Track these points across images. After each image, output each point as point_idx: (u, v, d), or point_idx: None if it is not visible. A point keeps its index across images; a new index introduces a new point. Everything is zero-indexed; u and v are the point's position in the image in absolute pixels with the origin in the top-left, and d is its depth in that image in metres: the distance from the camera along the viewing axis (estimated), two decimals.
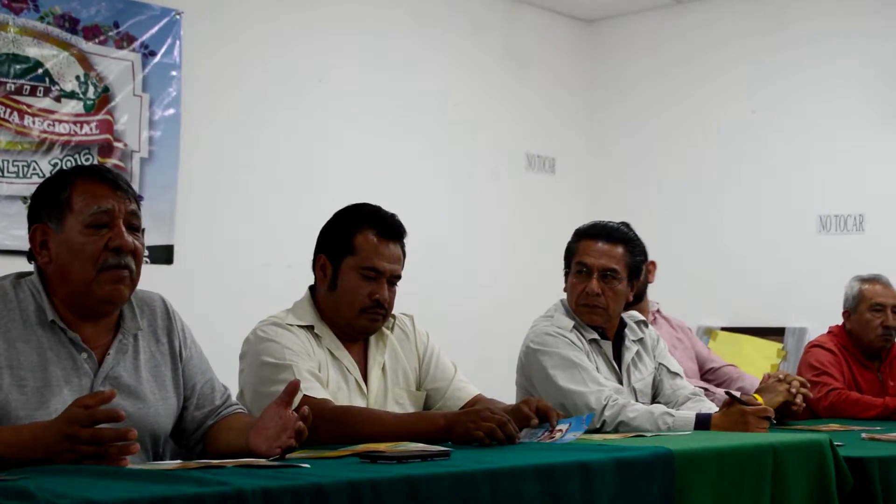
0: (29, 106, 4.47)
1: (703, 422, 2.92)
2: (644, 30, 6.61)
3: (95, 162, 4.55)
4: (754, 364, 5.49)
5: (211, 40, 5.07)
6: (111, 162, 4.62)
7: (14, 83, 4.44)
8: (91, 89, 4.65)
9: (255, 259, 5.16)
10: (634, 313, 3.40)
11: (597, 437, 2.55)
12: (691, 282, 6.07)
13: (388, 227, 2.66)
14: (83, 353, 2.15)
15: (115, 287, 2.14)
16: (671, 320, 4.21)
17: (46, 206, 2.18)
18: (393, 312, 2.72)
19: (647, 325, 3.38)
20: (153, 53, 4.83)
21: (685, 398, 3.22)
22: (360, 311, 2.62)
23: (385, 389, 2.68)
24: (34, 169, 4.46)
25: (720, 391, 3.71)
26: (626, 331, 3.28)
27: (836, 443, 2.52)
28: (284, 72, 5.34)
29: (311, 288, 2.72)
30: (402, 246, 2.69)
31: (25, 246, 2.22)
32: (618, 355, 3.24)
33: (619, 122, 6.67)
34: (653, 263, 4.12)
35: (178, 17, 4.91)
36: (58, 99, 4.56)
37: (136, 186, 4.63)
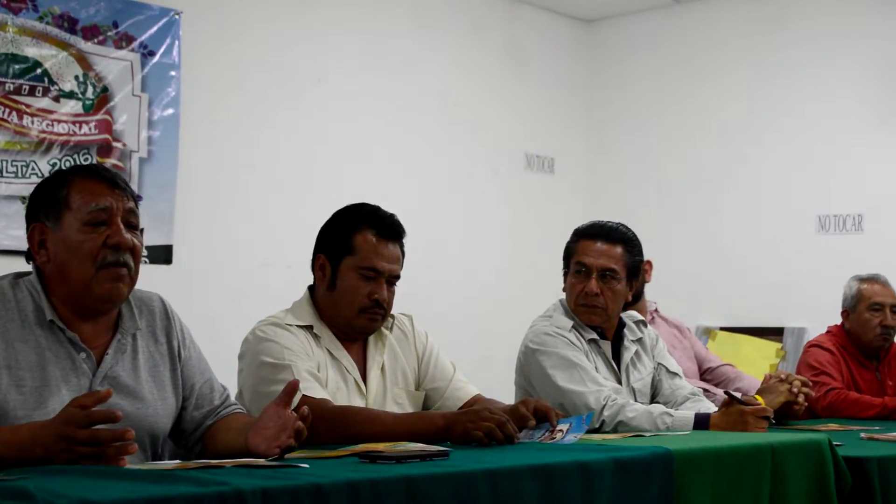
0: (28, 106, 4.47)
1: (701, 422, 2.92)
2: (643, 30, 6.61)
3: (94, 162, 4.55)
4: (753, 364, 5.49)
5: (210, 40, 5.07)
6: (110, 162, 4.62)
7: (13, 83, 4.44)
8: (90, 89, 4.65)
9: (254, 259, 5.16)
10: (633, 313, 3.40)
11: (596, 436, 2.55)
12: (690, 282, 6.08)
13: (388, 227, 2.66)
14: (82, 353, 2.15)
15: (113, 285, 2.15)
16: (669, 320, 4.21)
17: (44, 206, 2.18)
18: (392, 312, 2.72)
19: (645, 325, 3.38)
20: (152, 53, 4.83)
21: (684, 398, 3.22)
22: (359, 310, 2.62)
23: (384, 389, 2.68)
24: (33, 169, 4.46)
25: (721, 392, 3.71)
26: (625, 331, 3.28)
27: (834, 442, 2.52)
28: (284, 72, 5.34)
29: (311, 288, 2.72)
30: (402, 246, 2.69)
31: (24, 246, 2.22)
32: (617, 355, 3.24)
33: (618, 122, 6.67)
34: (649, 263, 4.11)
35: (177, 17, 4.91)
36: (57, 99, 4.55)
37: (135, 186, 4.65)
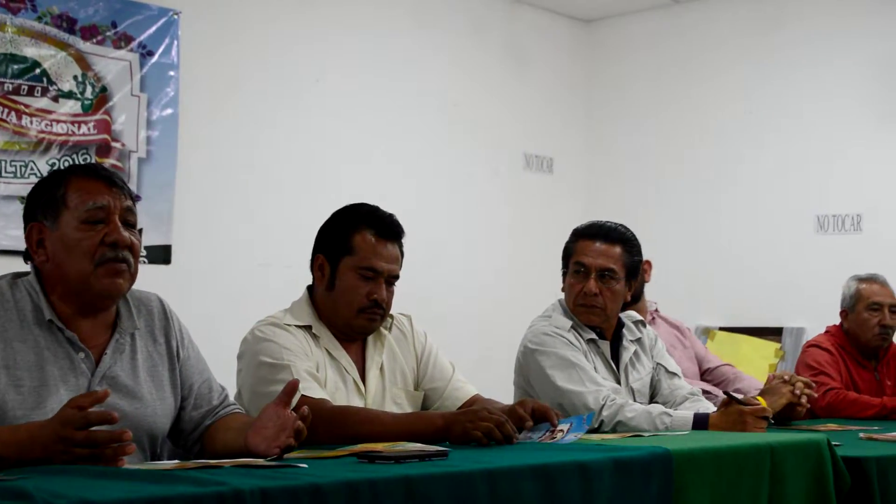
0: (26, 106, 4.47)
1: (700, 422, 2.92)
2: (642, 30, 6.61)
3: (93, 162, 4.55)
4: (752, 364, 5.49)
5: (209, 40, 5.06)
6: (109, 162, 4.62)
7: (12, 83, 4.44)
8: (89, 89, 4.64)
9: (253, 259, 5.16)
10: (632, 313, 3.40)
11: (595, 436, 2.55)
12: (689, 282, 6.08)
13: (387, 227, 2.66)
14: (80, 353, 2.15)
15: (112, 280, 2.15)
16: (669, 320, 4.20)
17: (42, 205, 2.18)
18: (391, 312, 2.72)
19: (644, 325, 3.38)
20: (151, 53, 4.83)
21: (683, 398, 3.22)
22: (358, 311, 2.61)
23: (383, 389, 2.68)
24: (32, 169, 4.46)
25: (721, 393, 3.70)
26: (624, 331, 3.28)
27: (833, 442, 2.52)
28: (283, 72, 5.34)
29: (309, 288, 2.72)
30: (401, 246, 2.69)
31: (23, 246, 2.22)
32: (615, 355, 3.24)
33: (617, 122, 6.67)
34: (648, 263, 4.11)
35: (175, 16, 4.91)
36: (55, 99, 4.55)
37: (133, 186, 4.65)
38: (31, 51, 4.49)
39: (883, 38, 5.74)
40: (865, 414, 3.94)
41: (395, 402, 2.68)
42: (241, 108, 5.18)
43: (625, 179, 6.58)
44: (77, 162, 4.50)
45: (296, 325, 2.61)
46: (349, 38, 5.60)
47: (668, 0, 6.42)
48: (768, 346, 5.81)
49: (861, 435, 3.04)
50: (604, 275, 3.16)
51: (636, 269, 3.27)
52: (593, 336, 3.20)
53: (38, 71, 4.51)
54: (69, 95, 4.59)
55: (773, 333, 5.88)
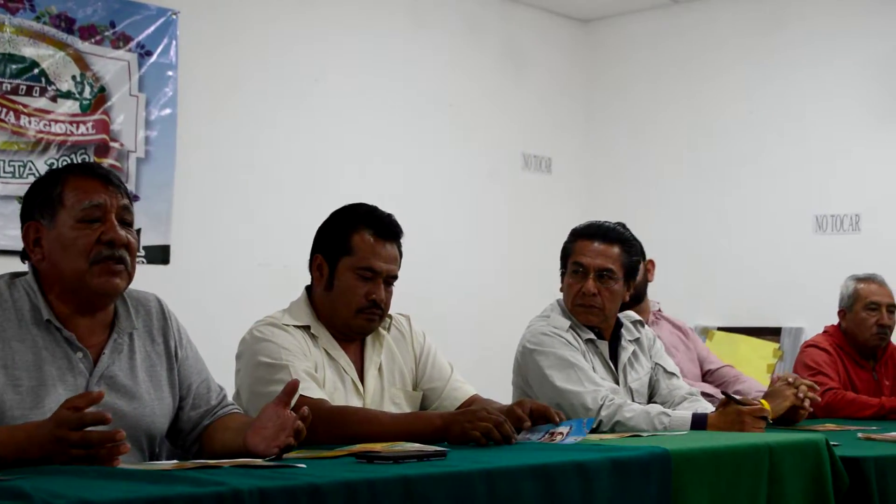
0: (25, 106, 4.47)
1: (699, 422, 2.92)
2: (641, 30, 6.61)
3: (87, 161, 4.55)
4: (751, 364, 5.49)
5: (207, 40, 5.06)
6: (107, 162, 4.62)
7: (10, 83, 4.44)
8: (87, 89, 4.64)
9: (252, 259, 5.16)
10: (631, 313, 3.40)
11: (593, 436, 2.55)
12: (688, 281, 6.08)
13: (385, 227, 2.66)
14: (78, 353, 2.15)
15: (108, 279, 2.14)
16: (672, 321, 4.19)
17: (39, 204, 2.18)
18: (389, 312, 2.72)
19: (643, 325, 3.38)
20: (149, 53, 4.82)
21: (681, 398, 3.22)
22: (356, 311, 2.61)
23: (381, 389, 2.68)
24: (30, 169, 4.46)
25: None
26: (623, 331, 3.28)
27: (832, 442, 2.52)
28: (281, 72, 5.34)
29: (308, 288, 2.72)
30: (399, 246, 2.69)
31: (21, 245, 2.22)
32: (614, 355, 3.24)
33: (615, 122, 6.67)
34: (651, 262, 4.11)
35: (174, 16, 4.91)
36: (54, 99, 4.55)
37: (132, 186, 4.65)
38: (29, 51, 4.49)
39: (883, 39, 5.74)
40: (864, 414, 3.95)
41: (394, 402, 2.68)
42: (239, 108, 5.18)
43: (623, 179, 6.58)
44: (73, 162, 4.49)
45: (294, 326, 2.61)
46: (348, 39, 5.60)
47: (668, 0, 6.42)
48: (767, 346, 5.81)
49: (859, 435, 3.04)
50: (602, 275, 3.16)
51: (634, 269, 3.27)
52: (592, 336, 3.20)
53: (36, 71, 4.51)
54: (68, 95, 4.59)
55: (771, 333, 5.88)
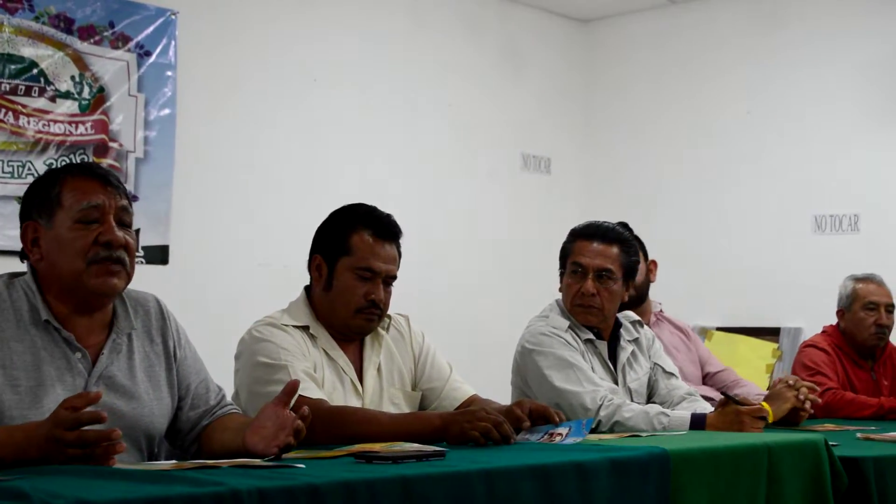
0: (24, 106, 4.47)
1: (698, 422, 2.92)
2: (640, 30, 6.61)
3: (86, 161, 4.54)
4: (750, 364, 5.50)
5: (206, 40, 5.06)
6: (106, 162, 4.61)
7: (9, 83, 4.44)
8: (86, 89, 4.64)
9: (251, 259, 5.16)
10: (629, 313, 3.40)
11: (592, 436, 2.55)
12: (687, 282, 6.07)
13: (384, 228, 2.66)
14: (77, 353, 2.15)
15: (105, 279, 2.14)
16: (674, 322, 4.18)
17: (37, 204, 2.18)
18: (388, 312, 2.72)
19: (642, 325, 3.38)
20: (148, 53, 4.82)
21: (680, 398, 3.22)
22: (355, 311, 2.61)
23: (380, 390, 2.68)
24: (29, 169, 4.46)
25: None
26: (622, 331, 3.28)
27: (831, 443, 2.53)
28: (280, 72, 5.34)
29: (307, 288, 2.72)
30: (398, 246, 2.69)
31: (20, 246, 2.22)
32: (613, 355, 3.24)
33: (614, 122, 6.67)
34: (654, 262, 4.10)
35: (173, 17, 4.90)
36: (53, 99, 4.55)
37: (131, 186, 4.64)
38: (28, 51, 4.49)
39: (883, 40, 5.73)
40: (862, 414, 3.95)
41: (393, 402, 2.68)
42: (238, 109, 5.18)
43: (622, 179, 6.58)
44: (73, 162, 4.49)
45: (293, 326, 2.61)
46: (347, 39, 5.60)
47: (667, 0, 6.42)
48: (766, 347, 5.81)
49: (858, 435, 3.04)
50: (601, 275, 3.16)
51: (633, 270, 3.27)
52: (591, 336, 3.20)
53: (35, 71, 4.51)
54: (66, 95, 4.58)
55: (770, 333, 5.88)
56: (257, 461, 1.94)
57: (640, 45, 6.60)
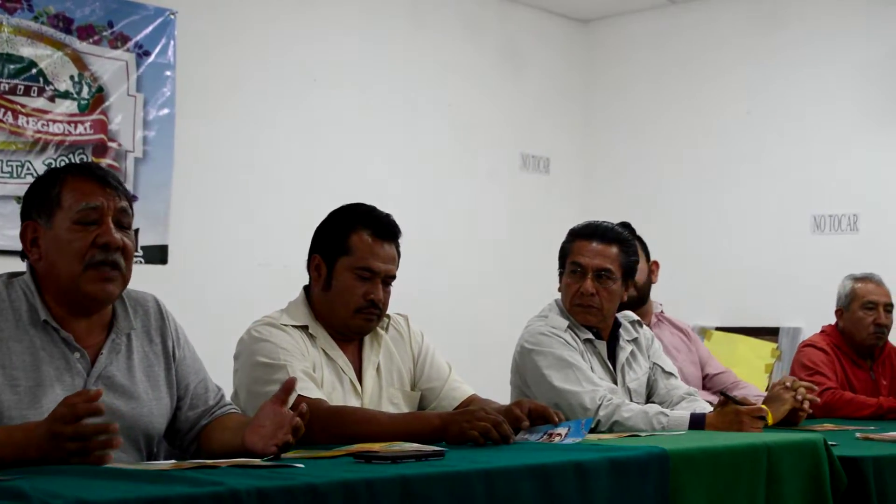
0: (23, 106, 4.47)
1: (697, 421, 2.92)
2: (639, 30, 6.61)
3: (89, 161, 4.54)
4: (749, 364, 5.50)
5: (205, 40, 5.06)
6: (105, 162, 4.61)
7: (8, 83, 4.44)
8: (85, 89, 4.64)
9: (250, 259, 5.16)
10: (629, 313, 3.40)
11: (592, 436, 2.55)
12: (686, 281, 6.07)
13: (383, 227, 2.66)
14: (76, 353, 2.15)
15: (101, 284, 2.14)
16: (675, 322, 4.18)
17: (37, 204, 2.18)
18: (387, 312, 2.72)
19: (641, 325, 3.38)
20: (147, 53, 4.82)
21: (680, 398, 3.22)
22: (354, 311, 2.61)
23: (380, 389, 2.68)
24: (28, 169, 4.45)
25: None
26: (621, 331, 3.28)
27: (830, 442, 2.53)
28: (279, 72, 5.34)
29: (306, 288, 2.72)
30: (397, 246, 2.69)
31: (20, 246, 2.22)
32: (612, 355, 3.24)
33: (614, 122, 6.67)
34: (655, 263, 4.10)
35: (172, 16, 4.90)
36: (52, 99, 4.55)
37: (130, 186, 4.64)
38: (27, 51, 4.49)
39: (883, 40, 5.73)
40: (862, 414, 3.95)
41: (392, 402, 2.68)
42: (237, 108, 5.18)
43: (622, 179, 6.58)
44: (74, 162, 4.49)
45: (292, 326, 2.61)
46: (347, 39, 5.60)
47: (666, 0, 6.42)
48: (765, 346, 5.81)
49: (857, 435, 3.04)
50: (600, 275, 3.16)
51: (633, 269, 3.27)
52: (590, 336, 3.20)
53: (34, 71, 4.51)
54: (65, 95, 4.58)
55: (769, 333, 5.88)
56: (256, 461, 1.93)
57: (640, 45, 6.60)
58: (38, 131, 4.50)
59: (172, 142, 4.88)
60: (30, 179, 4.33)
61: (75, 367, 2.14)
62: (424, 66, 5.94)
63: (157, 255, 4.81)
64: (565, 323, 3.17)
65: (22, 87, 4.47)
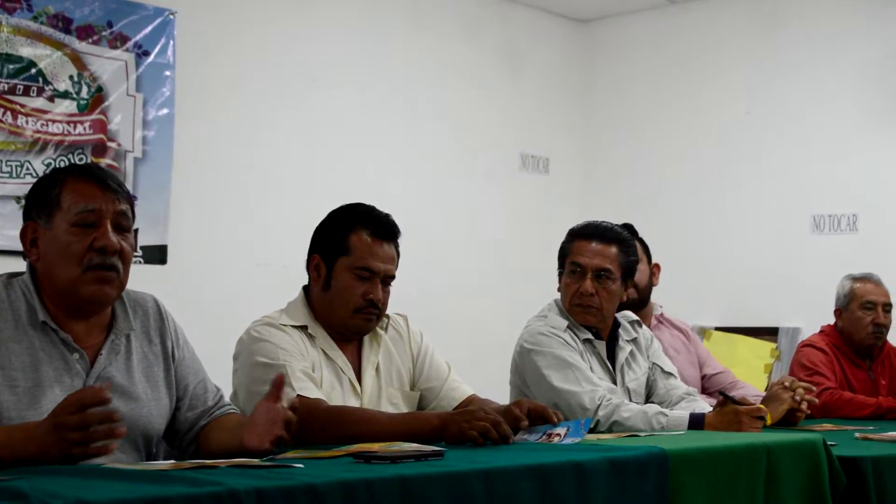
0: (22, 106, 4.47)
1: (696, 421, 2.92)
2: (639, 30, 6.61)
3: (90, 162, 4.54)
4: (748, 364, 5.50)
5: (204, 40, 5.06)
6: (105, 162, 4.62)
7: (7, 83, 4.44)
8: (84, 89, 4.64)
9: (249, 259, 5.16)
10: (628, 313, 3.40)
11: (591, 436, 2.55)
12: (685, 282, 6.06)
13: (382, 227, 2.66)
14: (75, 354, 2.15)
15: (98, 287, 2.14)
16: (675, 323, 4.17)
17: (37, 204, 2.18)
18: (387, 312, 2.72)
19: (640, 325, 3.38)
20: (147, 53, 4.82)
21: (679, 398, 3.22)
22: (353, 311, 2.61)
23: (379, 389, 2.68)
24: (27, 169, 4.45)
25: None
26: (620, 331, 3.28)
27: (829, 442, 2.53)
28: (278, 72, 5.34)
29: (305, 288, 2.72)
30: (396, 246, 2.69)
31: (19, 246, 2.22)
32: (611, 355, 3.24)
33: (613, 123, 6.67)
34: (657, 266, 4.10)
35: (171, 16, 4.90)
36: (51, 99, 4.55)
37: (129, 186, 4.64)
38: (26, 50, 4.49)
39: (882, 40, 5.73)
40: (861, 414, 3.95)
41: (391, 402, 2.68)
42: (236, 108, 5.18)
43: (621, 180, 6.58)
44: (73, 162, 4.49)
45: (291, 326, 2.61)
46: (346, 39, 5.60)
47: (666, 0, 6.42)
48: (764, 346, 5.81)
49: (857, 435, 3.04)
50: (600, 275, 3.16)
51: (632, 269, 3.27)
52: (589, 336, 3.20)
53: (33, 71, 4.51)
54: (65, 95, 4.58)
55: (768, 333, 5.88)
56: (255, 461, 1.93)
57: (640, 45, 6.60)
58: (38, 131, 4.50)
59: (172, 142, 4.88)
60: (29, 179, 4.34)
61: (74, 368, 2.14)
62: (424, 66, 5.94)
63: (157, 255, 4.81)
64: (565, 323, 3.17)
65: (21, 87, 4.47)
